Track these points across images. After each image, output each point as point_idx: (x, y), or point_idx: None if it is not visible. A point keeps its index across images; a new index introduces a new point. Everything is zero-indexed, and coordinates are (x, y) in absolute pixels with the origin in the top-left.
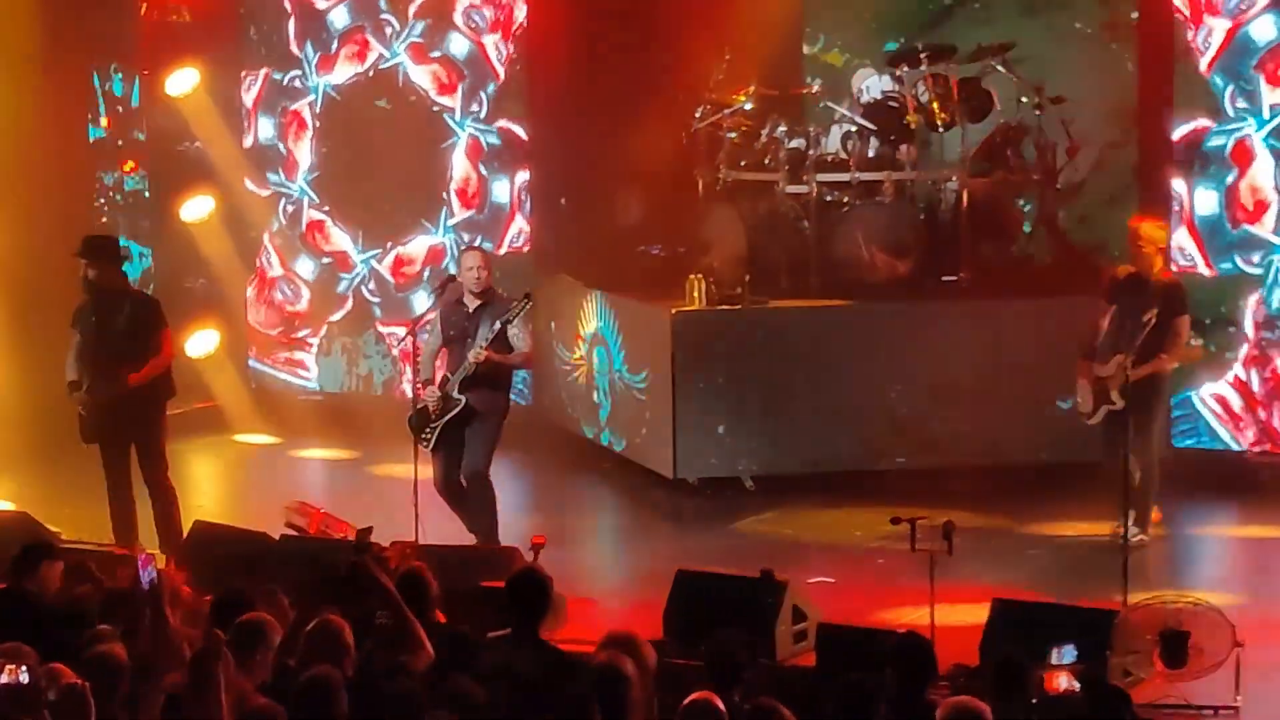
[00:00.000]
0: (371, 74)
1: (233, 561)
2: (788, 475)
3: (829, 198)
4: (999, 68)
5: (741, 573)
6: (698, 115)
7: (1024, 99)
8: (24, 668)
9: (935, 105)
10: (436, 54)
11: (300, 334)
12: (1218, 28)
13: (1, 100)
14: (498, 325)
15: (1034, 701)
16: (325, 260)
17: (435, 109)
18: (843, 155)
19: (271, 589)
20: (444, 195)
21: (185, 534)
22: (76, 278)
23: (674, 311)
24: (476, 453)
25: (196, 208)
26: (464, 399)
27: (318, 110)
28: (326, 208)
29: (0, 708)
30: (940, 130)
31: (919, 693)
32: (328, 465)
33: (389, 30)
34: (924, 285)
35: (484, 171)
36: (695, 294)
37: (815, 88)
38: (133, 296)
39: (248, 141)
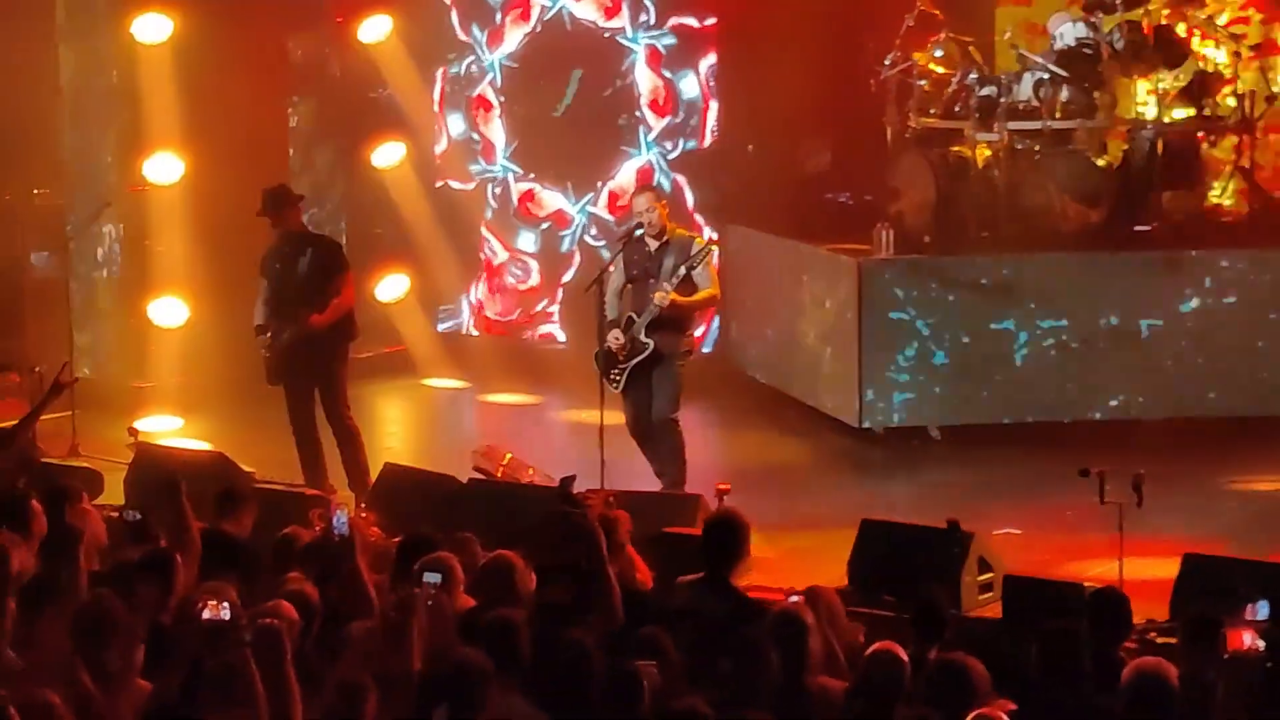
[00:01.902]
0: (539, 29)
1: (421, 504)
2: (974, 426)
3: (1020, 146)
4: (1196, 14)
5: (927, 523)
6: (887, 62)
7: (1221, 46)
8: (225, 605)
9: (1130, 52)
10: None
11: (538, 308)
12: None
13: (201, 48)
14: (682, 269)
15: (1225, 659)
16: (544, 226)
17: (607, 35)
18: (1035, 103)
19: (466, 536)
20: (638, 114)
21: (374, 477)
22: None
23: (862, 260)
24: (663, 398)
25: (387, 154)
26: (651, 342)
27: (498, 85)
28: (532, 175)
29: (203, 642)
30: (1135, 77)
31: (1112, 648)
32: (514, 410)
33: None
34: (1116, 235)
35: (667, 74)
36: (884, 243)
37: (1007, 34)
38: (315, 241)
39: (440, 145)
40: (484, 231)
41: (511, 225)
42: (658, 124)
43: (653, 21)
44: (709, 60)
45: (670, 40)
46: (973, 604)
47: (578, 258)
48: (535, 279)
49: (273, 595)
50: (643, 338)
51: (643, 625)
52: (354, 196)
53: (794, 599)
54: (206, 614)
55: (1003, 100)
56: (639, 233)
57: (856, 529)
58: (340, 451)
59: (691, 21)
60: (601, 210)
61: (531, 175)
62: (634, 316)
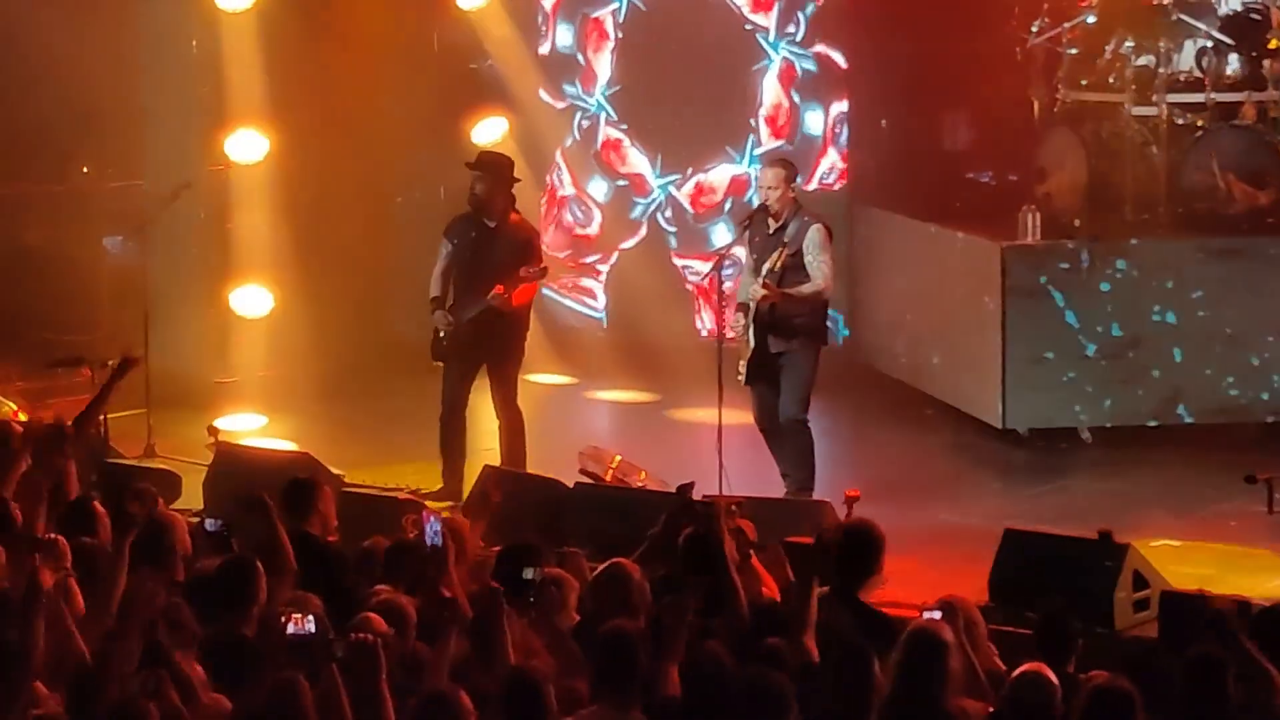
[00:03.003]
0: None
1: (524, 510)
2: (1129, 427)
3: (1181, 120)
4: None
5: (1076, 533)
6: (1034, 30)
7: None
8: (310, 617)
9: None
10: None
11: (589, 259)
12: None
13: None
14: (783, 256)
15: None
16: (620, 183)
17: (748, 27)
18: (1197, 74)
19: (572, 552)
20: (751, 122)
21: (473, 480)
22: (360, 200)
23: (1005, 246)
24: (790, 398)
25: (488, 130)
26: (754, 341)
27: (620, 20)
28: (625, 126)
29: (286, 658)
30: None
31: None
32: (625, 408)
33: None
34: None
35: (796, 99)
36: (1029, 227)
37: None
38: (514, 223)
39: (544, 48)
40: (558, 157)
41: (588, 165)
42: (769, 143)
43: (799, 38)
44: (840, 106)
45: (810, 66)
46: (1126, 622)
47: (644, 230)
48: (594, 229)
49: (362, 607)
50: (750, 335)
51: (764, 635)
52: (452, 175)
53: (931, 614)
54: (291, 627)
55: (1161, 71)
56: (759, 214)
57: (999, 540)
58: (503, 439)
59: (837, 57)
60: (683, 197)
61: (625, 126)
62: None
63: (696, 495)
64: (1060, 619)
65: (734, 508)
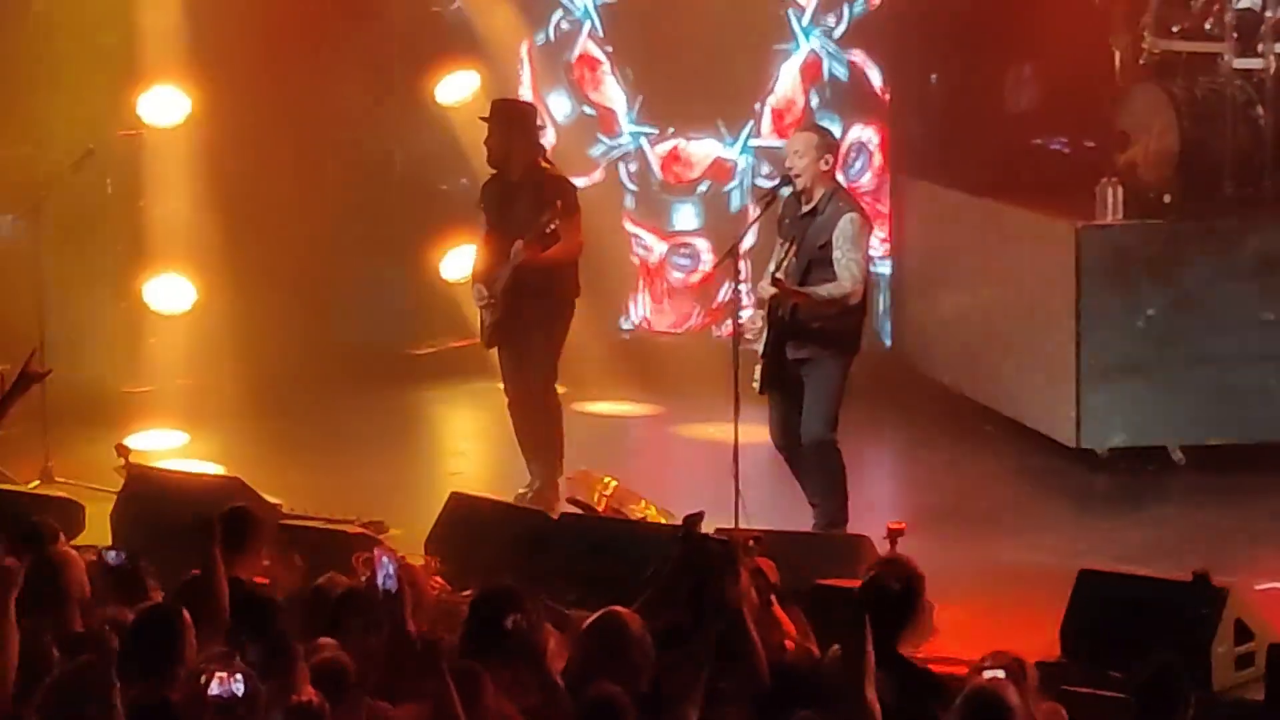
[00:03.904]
0: None
1: (500, 547)
2: (1229, 446)
3: None
4: None
5: (1167, 575)
6: None
7: None
8: (238, 676)
9: None
10: None
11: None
12: None
13: None
14: (801, 248)
15: None
16: (587, 109)
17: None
18: None
19: (554, 608)
20: (756, 106)
21: (448, 503)
22: (299, 173)
23: (1080, 226)
24: (814, 414)
25: (456, 87)
26: (763, 345)
27: (600, 35)
28: (610, 49)
29: None
30: None
31: None
32: (620, 423)
33: None
34: None
35: (814, 103)
36: (1110, 203)
37: None
38: (544, 174)
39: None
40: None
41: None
42: (767, 137)
43: (838, 35)
44: (862, 133)
45: (840, 73)
46: (1227, 680)
47: (599, 175)
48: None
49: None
50: (763, 339)
51: (791, 703)
52: (412, 142)
53: (992, 673)
54: (215, 687)
55: (1269, 15)
56: (784, 191)
57: (1073, 582)
58: (534, 428)
59: (874, 76)
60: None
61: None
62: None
63: (708, 528)
64: (1171, 678)
65: (751, 543)
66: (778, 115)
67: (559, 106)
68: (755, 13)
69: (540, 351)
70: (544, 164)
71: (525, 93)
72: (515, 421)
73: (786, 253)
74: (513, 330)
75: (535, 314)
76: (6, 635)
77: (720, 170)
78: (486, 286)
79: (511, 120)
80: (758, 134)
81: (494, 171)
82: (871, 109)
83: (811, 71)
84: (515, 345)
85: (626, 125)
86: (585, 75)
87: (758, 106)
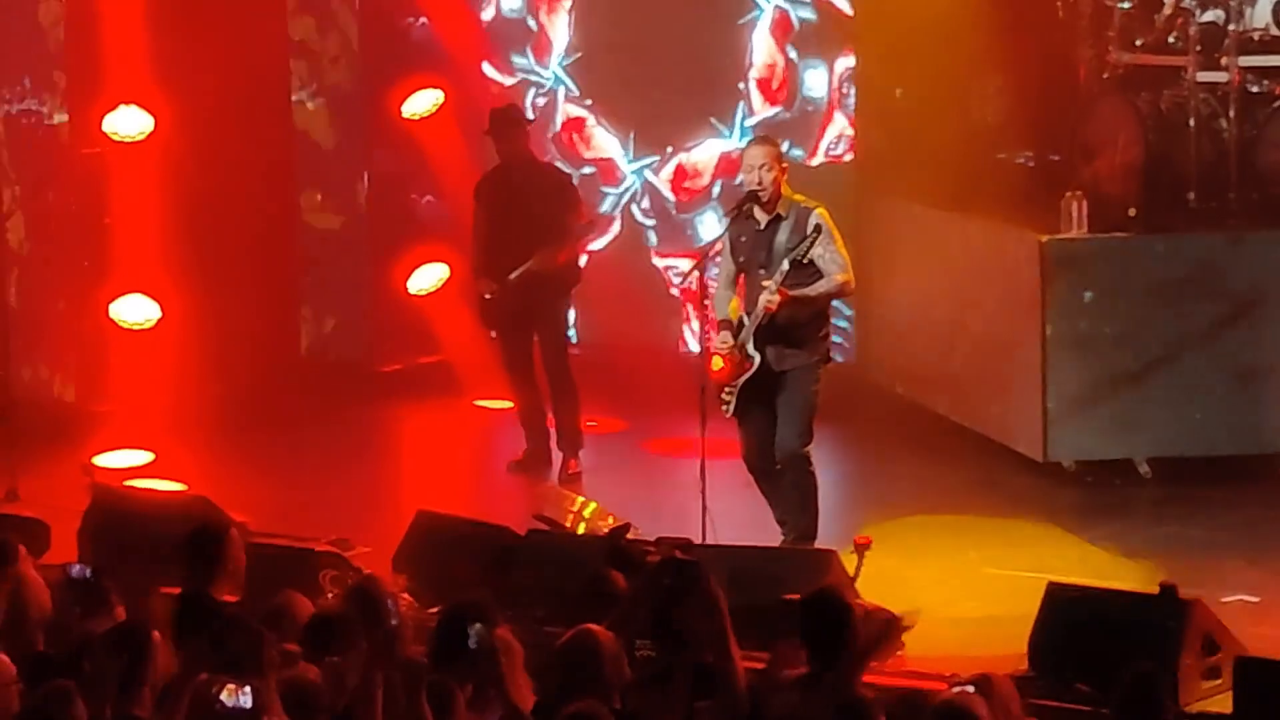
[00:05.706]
0: None
1: (467, 565)
2: (1196, 459)
3: (1255, 89)
4: None
5: (1133, 588)
6: None
7: None
8: (247, 689)
9: None
10: None
11: None
12: None
13: None
14: (788, 258)
15: None
16: (586, 170)
17: None
18: (1275, 32)
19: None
20: (740, 87)
21: (406, 526)
22: (266, 189)
23: (1045, 239)
24: (789, 427)
25: (420, 102)
26: (757, 356)
27: None
28: (589, 101)
29: None
30: None
31: None
32: (590, 439)
33: None
34: None
35: (793, 55)
36: (1075, 216)
37: None
38: (543, 169)
39: (488, 13)
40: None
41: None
42: (762, 110)
43: None
44: (847, 61)
45: (808, 14)
46: (1194, 693)
47: (616, 227)
48: None
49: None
50: (749, 349)
51: None
52: (378, 159)
53: (961, 688)
54: (226, 698)
55: (1232, 28)
56: (747, 205)
57: (1040, 596)
58: (554, 407)
59: (841, 3)
60: (662, 183)
61: (589, 101)
62: (745, 318)
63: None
64: (1151, 689)
65: (679, 552)
66: (763, 84)
67: None
68: (714, 74)
69: (559, 333)
70: (541, 158)
71: None
72: (523, 400)
73: (782, 260)
74: (522, 316)
75: (547, 302)
76: None
77: (728, 165)
78: (494, 278)
79: (503, 124)
80: (750, 113)
81: (484, 171)
82: (849, 35)
83: (781, 27)
84: (522, 329)
85: (626, 167)
86: (574, 138)
87: (741, 86)
